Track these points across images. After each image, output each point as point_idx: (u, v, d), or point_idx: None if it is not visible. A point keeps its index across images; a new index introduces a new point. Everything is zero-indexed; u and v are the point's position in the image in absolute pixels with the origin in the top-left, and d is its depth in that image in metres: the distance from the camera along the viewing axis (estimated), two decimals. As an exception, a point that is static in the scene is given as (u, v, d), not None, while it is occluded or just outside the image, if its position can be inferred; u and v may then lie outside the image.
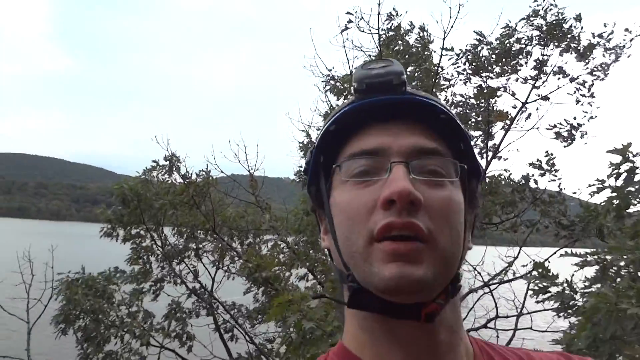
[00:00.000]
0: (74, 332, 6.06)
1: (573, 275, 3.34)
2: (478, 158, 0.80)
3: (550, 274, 3.47)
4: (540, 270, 3.50)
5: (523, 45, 5.93)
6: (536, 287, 3.44)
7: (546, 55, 5.98)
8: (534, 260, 5.74)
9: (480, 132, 6.62)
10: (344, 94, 6.49)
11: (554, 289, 3.48)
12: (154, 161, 6.84)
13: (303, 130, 7.20)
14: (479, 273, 6.38)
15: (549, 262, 5.39)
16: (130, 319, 6.54)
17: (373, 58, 6.24)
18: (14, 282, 6.82)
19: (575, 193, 5.99)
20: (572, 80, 6.10)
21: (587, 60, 5.96)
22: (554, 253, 5.87)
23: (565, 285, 3.32)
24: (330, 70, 6.76)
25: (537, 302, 3.54)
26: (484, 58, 6.05)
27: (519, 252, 6.34)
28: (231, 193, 7.50)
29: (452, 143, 0.76)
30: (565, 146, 6.26)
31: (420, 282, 0.64)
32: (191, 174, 6.82)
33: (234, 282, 7.11)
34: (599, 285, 3.02)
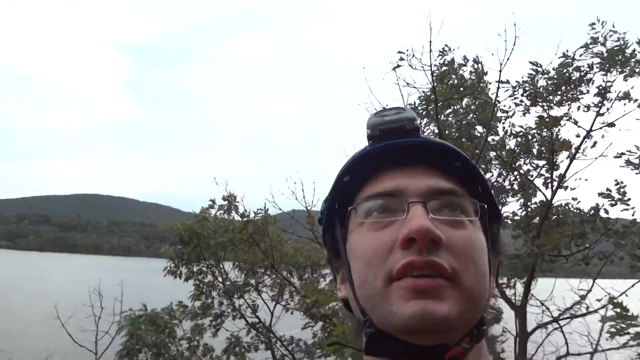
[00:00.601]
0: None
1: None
2: (498, 201, 0.76)
3: (629, 313, 3.24)
4: (617, 310, 3.28)
5: (583, 73, 5.74)
6: (613, 330, 3.23)
7: (609, 81, 5.76)
8: (609, 294, 5.39)
9: (544, 162, 6.40)
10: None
11: (633, 330, 3.23)
12: (211, 200, 7.07)
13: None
14: (547, 308, 6.06)
15: (626, 295, 5.06)
16: (190, 352, 6.67)
17: (427, 93, 6.25)
18: (84, 315, 7.14)
19: (652, 222, 5.63)
20: (640, 105, 5.82)
21: (655, 83, 5.68)
22: (632, 286, 5.50)
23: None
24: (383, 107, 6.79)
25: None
26: (542, 88, 5.90)
27: (593, 284, 5.97)
28: (289, 229, 7.58)
29: (469, 185, 0.73)
30: (637, 173, 5.93)
31: (444, 320, 0.59)
32: (249, 212, 6.99)
33: (292, 317, 7.12)
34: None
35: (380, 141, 0.73)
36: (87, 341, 6.96)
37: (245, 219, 6.90)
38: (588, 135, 6.12)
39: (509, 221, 6.34)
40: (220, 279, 7.26)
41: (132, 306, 6.82)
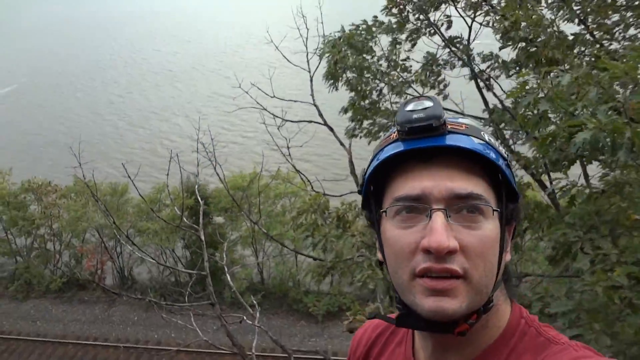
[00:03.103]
0: (343, 84, 6.95)
1: None
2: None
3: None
4: None
5: None
6: None
7: None
8: None
9: None
10: None
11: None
12: None
13: None
14: None
15: None
16: (389, 70, 7.06)
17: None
18: (293, 37, 7.79)
19: None
20: None
21: None
22: None
23: None
24: None
25: None
26: None
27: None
28: None
29: (489, 176, 0.87)
30: None
31: (453, 314, 0.81)
32: None
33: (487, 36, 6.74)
34: None
35: (407, 137, 0.86)
36: (301, 61, 7.72)
37: None
38: None
39: None
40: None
41: (332, 27, 7.17)
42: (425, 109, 0.84)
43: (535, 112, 3.21)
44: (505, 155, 0.88)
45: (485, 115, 7.19)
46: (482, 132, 0.88)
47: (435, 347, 0.93)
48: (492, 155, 0.85)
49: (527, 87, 3.19)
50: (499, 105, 6.94)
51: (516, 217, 0.91)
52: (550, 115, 3.18)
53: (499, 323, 0.90)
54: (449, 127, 0.85)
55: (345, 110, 7.56)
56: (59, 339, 15.44)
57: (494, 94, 6.87)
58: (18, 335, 15.72)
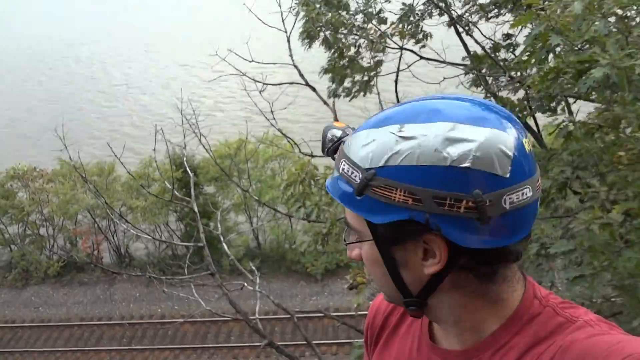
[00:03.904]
0: (320, 44, 6.83)
1: None
2: None
3: None
4: None
5: None
6: None
7: None
8: None
9: None
10: None
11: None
12: None
13: None
14: None
15: None
16: (366, 22, 6.93)
17: None
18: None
19: None
20: None
21: None
22: None
23: None
24: None
25: None
26: None
27: None
28: None
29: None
30: None
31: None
32: None
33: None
34: None
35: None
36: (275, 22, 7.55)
37: None
38: None
39: None
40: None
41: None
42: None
43: (540, 45, 3.11)
44: (364, 177, 0.86)
45: (467, 62, 7.14)
46: (341, 162, 0.91)
47: (443, 328, 0.99)
48: (338, 190, 0.91)
49: (533, 17, 3.04)
50: (480, 51, 6.90)
51: (408, 235, 0.86)
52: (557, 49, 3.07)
53: (506, 309, 0.91)
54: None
55: (325, 71, 7.48)
56: (63, 323, 15.60)
57: (475, 40, 6.80)
58: (22, 322, 15.84)
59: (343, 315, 12.77)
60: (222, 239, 7.39)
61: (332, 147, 0.96)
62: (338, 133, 0.97)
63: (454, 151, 0.80)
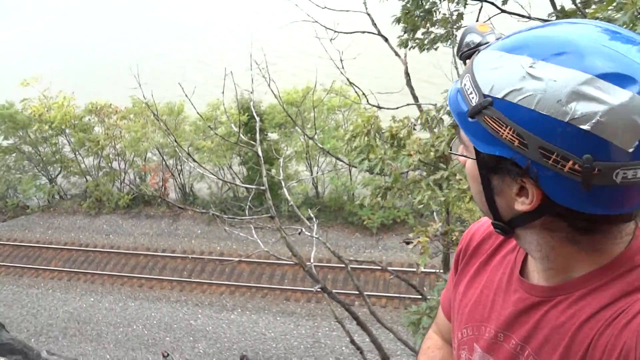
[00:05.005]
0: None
1: None
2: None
3: None
4: None
5: None
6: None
7: None
8: None
9: None
10: None
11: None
12: None
13: None
14: None
15: None
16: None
17: None
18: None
19: None
20: None
21: None
22: None
23: None
24: None
25: None
26: None
27: None
28: None
29: None
30: None
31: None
32: None
33: None
34: None
35: None
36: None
37: None
38: None
39: None
40: None
41: None
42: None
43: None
44: (480, 92, 0.82)
45: (553, 18, 6.69)
46: (466, 76, 0.87)
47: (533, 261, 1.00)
48: (456, 104, 0.88)
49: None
50: (570, 5, 6.42)
51: (507, 171, 0.83)
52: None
53: (602, 258, 0.88)
54: None
55: (398, 21, 7.23)
56: (130, 251, 16.69)
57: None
58: (94, 247, 17.09)
59: (397, 270, 12.87)
60: (283, 184, 7.54)
61: (466, 53, 0.91)
62: (477, 39, 0.91)
63: (578, 108, 0.73)
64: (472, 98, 0.83)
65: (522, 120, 0.77)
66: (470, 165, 0.92)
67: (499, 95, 0.79)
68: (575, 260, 0.90)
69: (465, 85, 0.86)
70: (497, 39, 0.88)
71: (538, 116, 0.76)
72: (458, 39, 0.93)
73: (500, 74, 0.80)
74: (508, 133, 0.79)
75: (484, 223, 1.21)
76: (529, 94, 0.76)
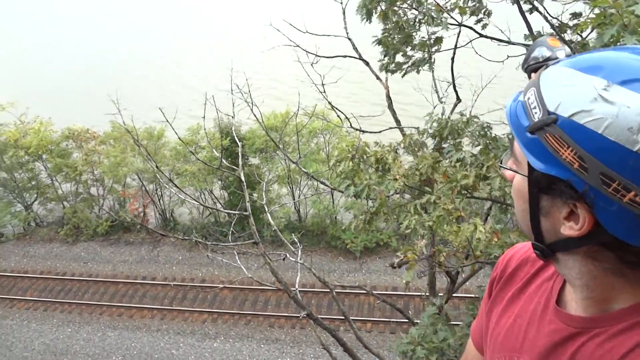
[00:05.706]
0: (377, 17, 6.68)
1: None
2: None
3: None
4: None
5: None
6: None
7: None
8: None
9: None
10: None
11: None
12: None
13: None
14: None
15: None
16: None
17: None
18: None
19: None
20: None
21: None
22: None
23: None
24: None
25: None
26: None
27: None
28: None
29: None
30: None
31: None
32: None
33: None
34: None
35: None
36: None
37: None
38: None
39: None
40: None
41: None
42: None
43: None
44: (536, 112, 0.81)
45: (529, 42, 6.82)
46: (531, 89, 0.84)
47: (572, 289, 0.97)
48: (515, 117, 0.86)
49: (603, 17, 2.86)
50: (545, 28, 6.57)
51: (560, 193, 0.80)
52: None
53: None
54: None
55: (379, 42, 7.29)
56: (109, 279, 16.29)
57: (540, 13, 6.47)
58: (72, 275, 16.65)
59: (382, 293, 12.78)
60: (266, 209, 7.47)
61: (533, 66, 0.88)
62: (547, 53, 0.88)
63: None
64: (535, 113, 0.80)
65: (586, 143, 0.74)
66: (519, 181, 0.89)
67: (566, 114, 0.76)
68: (618, 292, 0.86)
69: (529, 98, 0.83)
70: (567, 56, 0.86)
71: (604, 141, 0.72)
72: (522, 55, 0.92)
73: (570, 93, 0.77)
74: (569, 154, 0.76)
75: (520, 249, 1.17)
76: (598, 116, 0.73)
